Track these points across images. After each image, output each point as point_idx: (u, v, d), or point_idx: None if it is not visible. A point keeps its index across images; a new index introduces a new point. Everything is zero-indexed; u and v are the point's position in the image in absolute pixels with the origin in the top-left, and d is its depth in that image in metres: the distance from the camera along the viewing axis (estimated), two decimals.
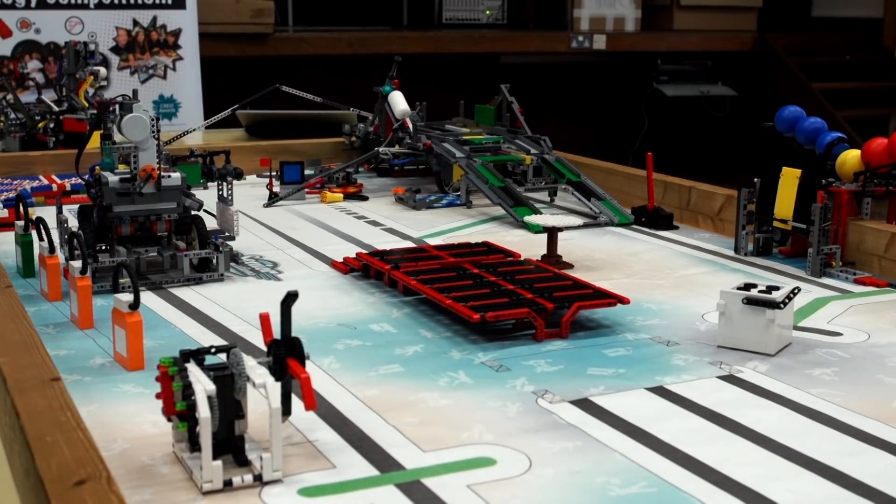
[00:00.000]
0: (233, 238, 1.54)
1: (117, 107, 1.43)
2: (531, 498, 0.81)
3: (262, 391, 0.82)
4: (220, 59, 4.72)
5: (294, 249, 1.63)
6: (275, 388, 0.82)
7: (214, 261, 1.43)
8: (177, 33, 4.12)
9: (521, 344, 1.18)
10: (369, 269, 1.46)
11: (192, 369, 0.83)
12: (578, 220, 1.56)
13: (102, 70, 2.55)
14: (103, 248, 1.40)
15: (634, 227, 1.82)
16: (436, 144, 2.05)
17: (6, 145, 2.37)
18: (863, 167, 1.55)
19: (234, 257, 1.53)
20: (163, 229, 1.43)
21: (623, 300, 1.23)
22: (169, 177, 1.40)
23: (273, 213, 1.93)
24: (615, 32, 6.06)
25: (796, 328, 1.24)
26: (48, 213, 1.47)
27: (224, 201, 1.56)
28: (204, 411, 0.79)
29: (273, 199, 2.00)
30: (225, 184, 1.56)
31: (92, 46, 2.55)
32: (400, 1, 6.40)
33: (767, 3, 6.44)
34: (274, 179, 2.04)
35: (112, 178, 1.37)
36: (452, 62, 5.82)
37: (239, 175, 1.60)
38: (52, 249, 1.33)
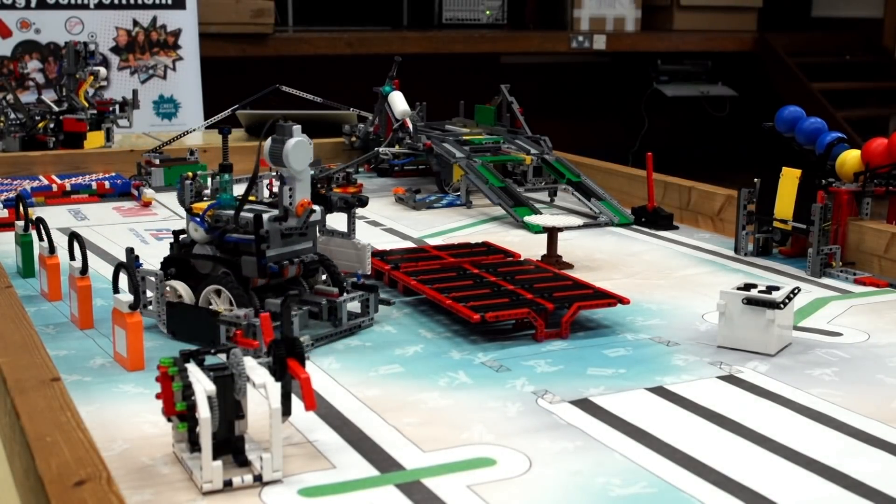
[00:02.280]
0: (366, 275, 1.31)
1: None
2: (531, 498, 0.81)
3: (262, 391, 0.82)
4: (220, 59, 4.72)
5: None
6: (275, 388, 0.82)
7: (367, 304, 1.23)
8: (177, 33, 4.13)
9: (521, 344, 1.18)
10: None
11: (192, 369, 0.83)
12: (578, 221, 1.56)
13: (102, 70, 2.55)
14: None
15: (634, 227, 1.82)
16: (436, 144, 2.05)
17: (6, 145, 2.37)
18: (863, 167, 1.55)
19: (385, 299, 1.29)
20: (293, 273, 1.19)
21: (623, 300, 1.23)
22: (314, 211, 1.17)
23: None
24: (615, 32, 6.06)
25: (796, 328, 1.24)
26: (48, 214, 1.46)
27: (348, 236, 1.33)
28: (204, 411, 0.79)
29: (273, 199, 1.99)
30: (350, 215, 1.33)
31: (92, 46, 2.55)
32: (400, 1, 6.40)
33: (767, 3, 6.44)
34: (274, 180, 2.03)
35: (264, 217, 1.13)
36: (452, 62, 5.82)
37: (364, 203, 1.32)
38: (52, 249, 1.33)
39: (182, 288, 1.17)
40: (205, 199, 1.21)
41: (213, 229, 1.15)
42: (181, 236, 1.21)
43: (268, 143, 1.15)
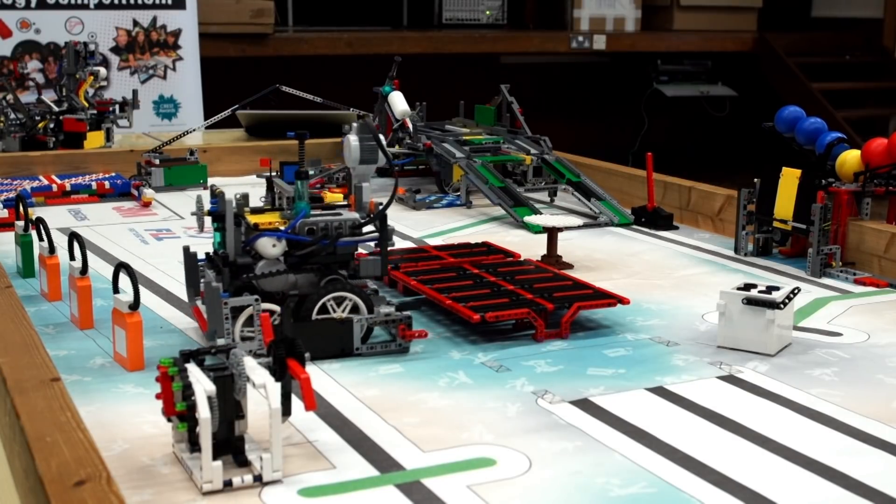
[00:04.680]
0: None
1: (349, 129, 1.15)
2: (531, 498, 0.81)
3: (262, 391, 0.82)
4: (220, 59, 4.72)
5: None
6: (275, 388, 0.82)
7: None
8: (177, 33, 4.13)
9: (520, 344, 1.18)
10: None
11: (192, 370, 0.83)
12: (578, 221, 1.56)
13: (102, 70, 2.55)
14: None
15: (634, 227, 1.82)
16: (436, 144, 2.05)
17: (6, 145, 2.37)
18: (863, 167, 1.55)
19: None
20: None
21: (623, 300, 1.23)
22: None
23: None
24: (615, 32, 6.06)
25: (796, 328, 1.24)
26: (48, 214, 1.46)
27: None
28: (204, 412, 0.79)
29: None
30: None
31: (92, 47, 2.55)
32: (400, 1, 6.41)
33: (767, 3, 6.44)
34: (274, 179, 2.03)
35: (348, 217, 1.12)
36: (452, 62, 5.82)
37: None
38: (52, 249, 1.33)
39: (276, 309, 1.12)
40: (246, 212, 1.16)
41: (322, 238, 1.11)
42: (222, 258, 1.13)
43: (355, 139, 1.15)
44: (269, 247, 1.11)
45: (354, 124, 1.17)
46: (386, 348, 1.14)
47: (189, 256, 1.23)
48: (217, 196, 1.12)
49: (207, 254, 1.21)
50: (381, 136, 1.18)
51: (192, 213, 1.21)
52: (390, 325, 1.13)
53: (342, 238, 1.12)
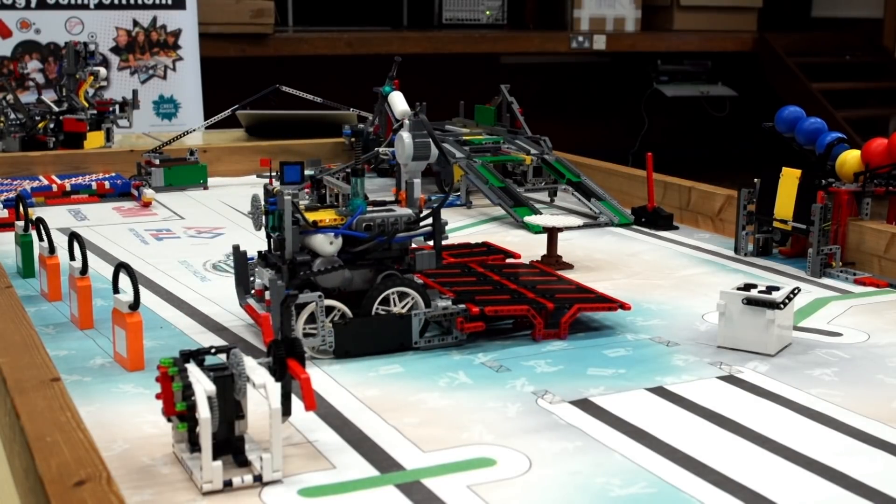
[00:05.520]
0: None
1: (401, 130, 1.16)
2: (531, 498, 0.81)
3: (262, 392, 0.82)
4: (220, 59, 4.72)
5: None
6: (275, 388, 0.82)
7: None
8: (177, 33, 4.13)
9: (520, 344, 1.18)
10: None
11: (192, 370, 0.83)
12: (578, 221, 1.56)
13: (102, 70, 2.55)
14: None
15: (634, 227, 1.82)
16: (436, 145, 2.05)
17: (6, 145, 2.37)
18: (863, 167, 1.55)
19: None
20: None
21: (625, 306, 1.23)
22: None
23: None
24: (615, 33, 6.06)
25: (796, 328, 1.24)
26: (48, 214, 1.46)
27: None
28: (204, 412, 0.79)
29: None
30: None
31: (92, 47, 2.55)
32: (400, 1, 6.41)
33: (767, 3, 6.44)
34: (274, 180, 2.03)
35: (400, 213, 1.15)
36: (452, 62, 5.83)
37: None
38: (52, 249, 1.33)
39: (341, 305, 1.13)
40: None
41: (380, 235, 1.13)
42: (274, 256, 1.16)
43: (408, 136, 1.16)
44: (326, 244, 1.12)
45: (407, 121, 1.17)
46: (443, 342, 1.15)
47: (239, 255, 1.24)
48: (276, 195, 1.14)
49: (259, 252, 1.23)
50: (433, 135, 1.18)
51: (249, 213, 1.22)
52: (448, 319, 1.15)
53: (398, 234, 1.14)
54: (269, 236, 1.19)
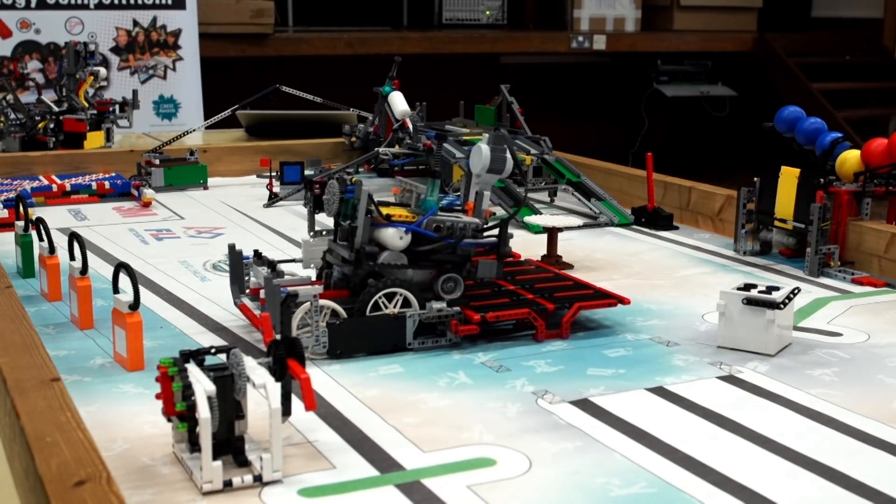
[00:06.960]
0: None
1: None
2: (531, 498, 0.81)
3: (262, 392, 0.82)
4: (220, 59, 4.72)
5: (294, 250, 1.63)
6: (275, 388, 0.82)
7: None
8: (177, 33, 4.13)
9: (521, 344, 1.18)
10: None
11: (192, 370, 0.83)
12: (578, 221, 1.56)
13: (102, 70, 2.55)
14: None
15: (634, 227, 1.82)
16: (435, 145, 2.05)
17: (6, 145, 2.37)
18: (863, 167, 1.55)
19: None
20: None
21: (623, 300, 1.23)
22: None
23: (273, 213, 1.93)
24: (615, 33, 6.06)
25: (796, 328, 1.24)
26: (48, 214, 1.46)
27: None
28: (204, 412, 0.79)
29: (273, 199, 2.00)
30: None
31: (92, 47, 2.55)
32: (400, 1, 6.41)
33: (767, 3, 6.44)
34: (274, 180, 2.04)
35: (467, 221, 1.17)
36: (452, 62, 5.82)
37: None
38: (52, 249, 1.33)
39: (334, 305, 1.14)
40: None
41: (448, 237, 1.16)
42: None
43: (487, 149, 1.18)
44: (397, 238, 1.14)
45: (487, 135, 1.19)
46: (437, 343, 1.16)
47: (234, 254, 1.25)
48: (354, 184, 1.15)
49: (255, 251, 1.25)
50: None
51: (305, 204, 1.23)
52: (442, 321, 1.15)
53: (465, 239, 1.16)
54: (337, 224, 1.20)
